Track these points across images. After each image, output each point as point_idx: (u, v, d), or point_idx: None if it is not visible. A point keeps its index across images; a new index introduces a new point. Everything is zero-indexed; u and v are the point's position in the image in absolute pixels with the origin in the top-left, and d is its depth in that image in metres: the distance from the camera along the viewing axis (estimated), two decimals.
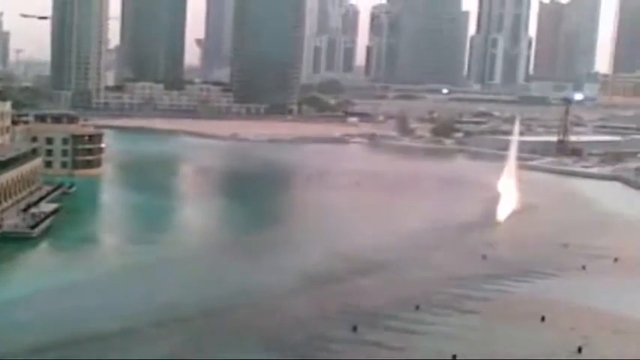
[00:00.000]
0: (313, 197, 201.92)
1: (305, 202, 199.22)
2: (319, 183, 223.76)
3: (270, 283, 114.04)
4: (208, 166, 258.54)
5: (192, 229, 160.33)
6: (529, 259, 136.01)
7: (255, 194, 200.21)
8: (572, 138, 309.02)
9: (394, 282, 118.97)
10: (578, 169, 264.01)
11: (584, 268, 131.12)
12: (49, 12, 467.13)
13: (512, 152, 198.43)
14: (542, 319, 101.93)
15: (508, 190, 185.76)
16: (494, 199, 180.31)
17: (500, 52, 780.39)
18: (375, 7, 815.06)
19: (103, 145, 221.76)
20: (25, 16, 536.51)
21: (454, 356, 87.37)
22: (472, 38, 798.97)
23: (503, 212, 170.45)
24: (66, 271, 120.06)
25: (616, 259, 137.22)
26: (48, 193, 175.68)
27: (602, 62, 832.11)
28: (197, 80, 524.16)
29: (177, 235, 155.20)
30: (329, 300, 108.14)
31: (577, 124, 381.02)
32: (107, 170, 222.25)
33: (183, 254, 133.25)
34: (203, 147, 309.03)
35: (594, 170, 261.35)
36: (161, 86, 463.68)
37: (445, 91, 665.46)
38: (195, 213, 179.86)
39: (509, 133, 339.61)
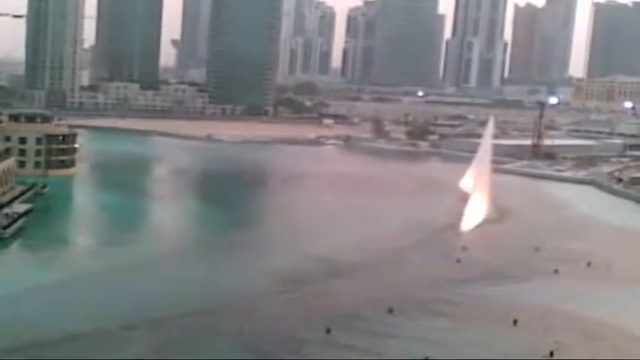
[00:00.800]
0: (286, 199, 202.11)
1: (278, 203, 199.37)
2: (293, 185, 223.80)
3: (239, 284, 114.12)
4: (182, 166, 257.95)
5: (165, 231, 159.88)
6: (501, 263, 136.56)
7: (228, 196, 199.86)
8: (546, 141, 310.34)
9: (365, 284, 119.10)
10: (551, 172, 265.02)
11: (556, 271, 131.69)
12: (24, 10, 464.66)
13: (484, 155, 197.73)
14: (515, 322, 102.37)
15: (480, 193, 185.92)
16: (467, 201, 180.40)
17: (475, 55, 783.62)
18: (351, 10, 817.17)
19: (76, 145, 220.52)
20: None
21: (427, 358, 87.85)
22: (448, 41, 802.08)
23: (474, 215, 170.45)
24: (36, 271, 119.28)
25: (589, 263, 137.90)
26: (21, 194, 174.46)
27: (577, 66, 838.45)
28: (172, 81, 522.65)
29: (149, 236, 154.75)
30: (301, 302, 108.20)
31: (551, 128, 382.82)
32: (81, 170, 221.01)
33: (154, 255, 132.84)
34: (178, 147, 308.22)
35: (568, 174, 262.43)
36: (136, 86, 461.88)
37: (420, 93, 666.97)
38: (168, 214, 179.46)
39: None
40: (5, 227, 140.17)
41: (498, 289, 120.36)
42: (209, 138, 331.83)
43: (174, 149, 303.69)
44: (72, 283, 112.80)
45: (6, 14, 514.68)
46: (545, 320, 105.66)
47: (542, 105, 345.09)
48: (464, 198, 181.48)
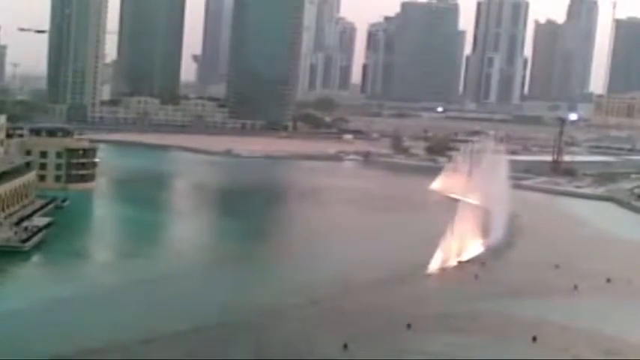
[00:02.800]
0: (304, 216, 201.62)
1: (295, 220, 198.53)
2: (311, 201, 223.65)
3: (255, 298, 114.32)
4: (201, 181, 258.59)
5: (183, 245, 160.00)
6: (519, 279, 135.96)
7: (245, 211, 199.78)
8: (566, 158, 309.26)
9: (383, 299, 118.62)
10: (571, 189, 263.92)
11: (576, 288, 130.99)
12: (46, 26, 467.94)
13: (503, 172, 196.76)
14: (534, 339, 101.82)
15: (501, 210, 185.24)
16: (488, 217, 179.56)
17: (495, 71, 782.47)
18: (372, 25, 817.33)
19: (97, 160, 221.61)
20: (22, 29, 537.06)
21: None
22: (468, 57, 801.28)
23: (492, 231, 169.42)
24: (55, 285, 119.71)
25: (609, 280, 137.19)
26: (41, 207, 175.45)
27: (597, 83, 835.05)
28: (192, 95, 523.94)
29: (168, 250, 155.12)
30: (318, 317, 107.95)
31: (571, 144, 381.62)
32: (101, 184, 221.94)
33: (173, 270, 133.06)
34: (197, 162, 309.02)
35: (588, 190, 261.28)
36: (157, 101, 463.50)
37: (440, 109, 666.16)
38: (187, 229, 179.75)
39: (503, 152, 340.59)
40: (25, 240, 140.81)
41: (517, 305, 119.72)
42: (228, 153, 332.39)
43: (194, 164, 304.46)
44: (90, 297, 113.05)
45: (29, 29, 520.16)
46: (564, 337, 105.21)
47: (562, 121, 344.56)
48: (482, 213, 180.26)
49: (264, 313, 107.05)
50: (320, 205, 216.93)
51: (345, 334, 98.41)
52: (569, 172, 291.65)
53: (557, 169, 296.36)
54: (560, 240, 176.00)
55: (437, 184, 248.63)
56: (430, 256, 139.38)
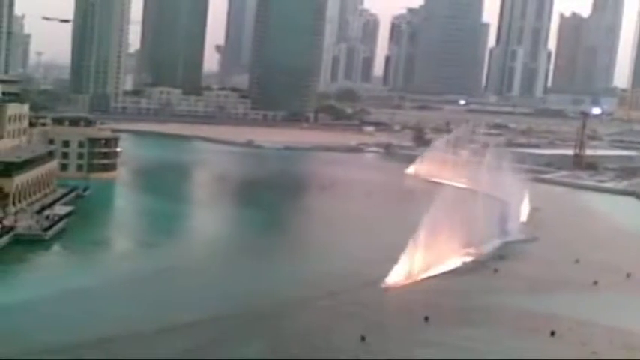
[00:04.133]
0: (322, 208, 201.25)
1: (312, 212, 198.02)
2: (331, 193, 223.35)
3: (273, 289, 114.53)
4: (222, 172, 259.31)
5: (202, 235, 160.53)
6: (539, 273, 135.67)
7: (264, 202, 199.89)
8: (588, 152, 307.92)
9: (401, 292, 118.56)
10: (593, 183, 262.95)
11: (595, 283, 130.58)
12: (71, 15, 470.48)
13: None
14: (552, 333, 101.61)
15: (520, 204, 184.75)
16: (507, 210, 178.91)
17: (519, 64, 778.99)
18: (395, 17, 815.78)
19: (118, 149, 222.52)
20: (47, 19, 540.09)
21: None
22: (491, 50, 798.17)
23: (512, 227, 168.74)
24: (76, 274, 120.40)
25: (629, 275, 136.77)
26: (63, 196, 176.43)
27: (621, 77, 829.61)
28: (215, 86, 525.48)
29: (188, 240, 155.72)
30: (336, 309, 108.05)
31: (593, 138, 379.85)
32: (122, 174, 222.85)
33: (192, 260, 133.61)
34: (218, 153, 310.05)
35: (609, 185, 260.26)
36: (179, 91, 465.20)
37: (462, 102, 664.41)
38: (207, 219, 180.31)
39: (524, 145, 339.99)
40: (47, 229, 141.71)
41: (536, 299, 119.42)
42: (250, 144, 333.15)
43: (215, 155, 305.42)
44: (109, 286, 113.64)
45: (53, 19, 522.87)
46: (583, 331, 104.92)
47: (585, 115, 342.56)
48: (503, 206, 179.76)
49: (282, 304, 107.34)
50: (338, 198, 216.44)
51: (362, 326, 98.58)
52: (591, 166, 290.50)
53: (579, 163, 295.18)
54: (581, 234, 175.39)
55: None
56: (448, 248, 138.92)
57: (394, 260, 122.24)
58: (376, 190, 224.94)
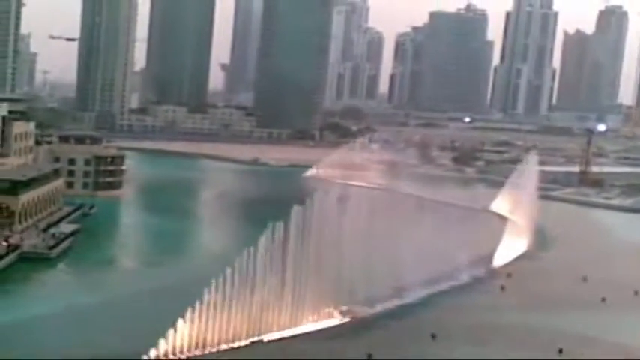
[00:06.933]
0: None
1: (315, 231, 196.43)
2: (336, 210, 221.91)
3: None
4: (227, 190, 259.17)
5: (209, 254, 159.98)
6: (546, 290, 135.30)
7: (269, 220, 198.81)
8: (594, 169, 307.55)
9: (408, 308, 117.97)
10: (599, 200, 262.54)
11: (603, 300, 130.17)
12: (77, 34, 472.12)
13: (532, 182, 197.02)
14: (560, 351, 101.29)
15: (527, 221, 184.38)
16: (513, 228, 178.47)
17: (523, 82, 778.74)
18: (400, 35, 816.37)
19: (124, 167, 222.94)
20: (53, 37, 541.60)
21: None
22: (496, 68, 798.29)
23: (519, 242, 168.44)
24: (80, 293, 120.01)
25: (637, 292, 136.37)
26: (68, 214, 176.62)
27: (626, 94, 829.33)
28: (220, 104, 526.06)
29: (193, 259, 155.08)
30: (342, 327, 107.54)
31: (599, 155, 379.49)
32: (128, 192, 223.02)
33: (195, 279, 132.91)
34: (224, 171, 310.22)
35: (615, 202, 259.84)
36: (184, 109, 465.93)
37: (467, 119, 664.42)
38: (212, 237, 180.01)
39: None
40: (52, 247, 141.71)
41: (543, 316, 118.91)
42: (255, 162, 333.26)
43: (221, 173, 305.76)
44: (112, 305, 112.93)
45: (59, 37, 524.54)
46: (591, 349, 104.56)
47: (590, 132, 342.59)
48: (510, 224, 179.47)
49: None
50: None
51: (369, 344, 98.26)
52: (597, 183, 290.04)
53: (585, 180, 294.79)
54: (588, 251, 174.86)
55: None
56: (457, 266, 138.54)
57: None
58: None
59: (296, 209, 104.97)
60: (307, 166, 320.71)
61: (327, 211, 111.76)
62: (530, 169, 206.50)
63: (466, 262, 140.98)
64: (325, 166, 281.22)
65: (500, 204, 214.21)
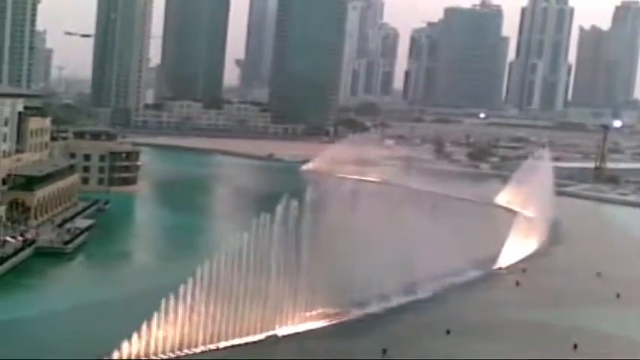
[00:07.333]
0: (339, 220, 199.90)
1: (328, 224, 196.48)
2: (350, 205, 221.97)
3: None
4: (242, 185, 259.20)
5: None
6: (561, 286, 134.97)
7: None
8: (610, 165, 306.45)
9: (423, 304, 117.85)
10: (614, 196, 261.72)
11: (618, 296, 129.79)
12: (92, 30, 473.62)
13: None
14: (575, 346, 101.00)
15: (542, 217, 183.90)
16: (528, 224, 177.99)
17: (539, 77, 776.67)
18: (415, 31, 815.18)
19: (139, 163, 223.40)
20: (68, 33, 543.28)
21: None
22: (511, 63, 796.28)
23: (534, 238, 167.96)
24: (94, 288, 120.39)
25: None
26: (83, 209, 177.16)
27: None
28: (235, 100, 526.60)
29: (206, 254, 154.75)
30: (358, 322, 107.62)
31: (615, 151, 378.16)
32: (143, 188, 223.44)
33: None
34: (238, 166, 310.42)
35: (631, 198, 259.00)
36: (199, 105, 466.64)
37: (482, 115, 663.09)
38: (227, 232, 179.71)
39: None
40: (67, 242, 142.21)
41: (558, 312, 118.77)
42: (270, 157, 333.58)
43: (235, 168, 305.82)
44: (129, 301, 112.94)
45: (75, 33, 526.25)
46: (606, 345, 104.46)
47: (605, 128, 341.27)
48: (524, 220, 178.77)
49: None
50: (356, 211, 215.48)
51: (383, 339, 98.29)
52: (612, 179, 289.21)
53: (601, 176, 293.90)
54: (603, 247, 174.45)
55: None
56: (471, 261, 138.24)
57: None
58: None
59: (309, 201, 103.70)
60: None
61: (335, 205, 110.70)
62: (545, 165, 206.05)
63: (480, 258, 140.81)
64: (338, 163, 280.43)
65: (515, 199, 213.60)
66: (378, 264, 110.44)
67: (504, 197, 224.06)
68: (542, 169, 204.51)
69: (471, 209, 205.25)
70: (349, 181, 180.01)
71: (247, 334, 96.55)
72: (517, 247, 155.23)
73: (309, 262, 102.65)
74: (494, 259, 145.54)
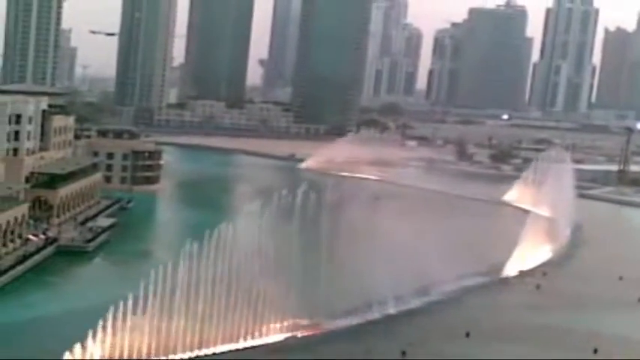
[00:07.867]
0: (359, 223, 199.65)
1: (348, 227, 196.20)
2: (370, 207, 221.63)
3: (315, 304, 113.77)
4: (264, 185, 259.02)
5: (245, 248, 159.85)
6: (582, 290, 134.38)
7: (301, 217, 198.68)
8: (633, 167, 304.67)
9: (443, 306, 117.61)
10: (637, 199, 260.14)
11: (639, 301, 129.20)
12: (116, 29, 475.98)
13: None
14: (595, 351, 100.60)
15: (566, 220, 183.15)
16: (548, 227, 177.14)
17: (563, 79, 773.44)
18: (438, 31, 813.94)
19: (162, 162, 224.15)
20: (93, 32, 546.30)
21: None
22: (535, 65, 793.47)
23: (554, 244, 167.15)
24: (115, 287, 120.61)
25: None
26: (106, 208, 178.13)
27: None
28: (258, 100, 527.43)
29: (227, 253, 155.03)
30: (377, 324, 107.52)
31: (638, 154, 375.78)
32: (165, 187, 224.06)
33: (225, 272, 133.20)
34: (260, 166, 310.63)
35: None
36: (222, 105, 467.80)
37: (505, 117, 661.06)
38: (249, 232, 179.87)
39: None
40: (89, 241, 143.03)
41: (579, 316, 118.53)
42: (292, 157, 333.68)
43: (257, 168, 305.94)
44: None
45: (99, 32, 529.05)
46: (626, 349, 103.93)
47: (629, 130, 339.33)
48: (545, 222, 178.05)
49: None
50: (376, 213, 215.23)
51: (403, 341, 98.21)
52: (635, 182, 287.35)
53: (624, 178, 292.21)
54: (625, 251, 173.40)
55: None
56: (491, 264, 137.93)
57: None
58: None
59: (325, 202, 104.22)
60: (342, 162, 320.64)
61: (350, 206, 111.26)
62: (566, 167, 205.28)
63: (500, 261, 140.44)
64: (358, 164, 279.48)
65: (534, 201, 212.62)
66: (392, 266, 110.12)
67: (523, 198, 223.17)
68: (562, 171, 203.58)
69: (493, 211, 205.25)
70: (368, 182, 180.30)
71: (267, 335, 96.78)
72: (537, 250, 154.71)
73: (325, 263, 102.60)
74: (513, 262, 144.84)
